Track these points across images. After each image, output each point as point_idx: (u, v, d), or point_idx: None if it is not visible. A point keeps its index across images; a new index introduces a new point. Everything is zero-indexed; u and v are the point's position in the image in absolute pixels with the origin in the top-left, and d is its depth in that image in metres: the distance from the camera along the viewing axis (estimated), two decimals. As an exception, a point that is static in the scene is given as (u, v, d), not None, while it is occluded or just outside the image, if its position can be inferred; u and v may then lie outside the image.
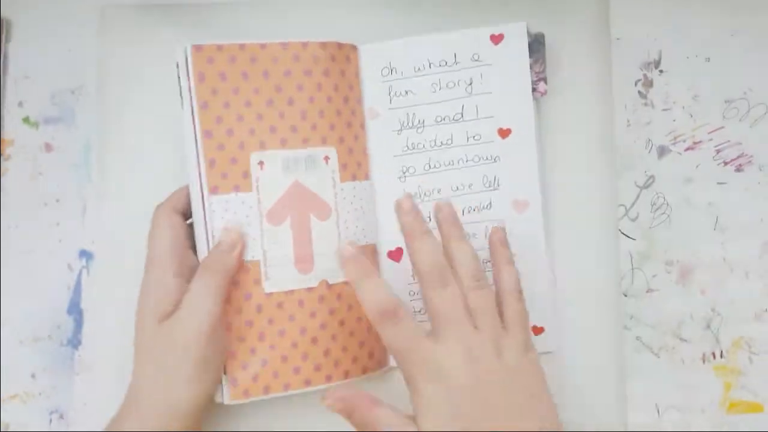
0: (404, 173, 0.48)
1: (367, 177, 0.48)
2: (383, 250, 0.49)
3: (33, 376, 0.50)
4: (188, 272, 0.44)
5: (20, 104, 0.52)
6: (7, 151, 0.52)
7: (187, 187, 0.45)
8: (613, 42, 0.51)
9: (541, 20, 0.50)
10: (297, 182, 0.45)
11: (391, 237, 0.48)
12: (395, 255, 0.48)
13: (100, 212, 0.50)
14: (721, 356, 0.50)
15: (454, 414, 0.38)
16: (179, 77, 0.45)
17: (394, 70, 0.48)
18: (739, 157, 0.51)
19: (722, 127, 0.51)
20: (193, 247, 0.46)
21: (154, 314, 0.43)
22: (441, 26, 0.49)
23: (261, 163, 0.45)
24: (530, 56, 0.48)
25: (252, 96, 0.45)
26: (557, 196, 0.49)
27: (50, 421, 0.50)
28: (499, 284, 0.43)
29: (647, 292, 0.50)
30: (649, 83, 0.51)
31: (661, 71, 0.51)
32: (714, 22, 0.52)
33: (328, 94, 0.46)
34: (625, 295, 0.50)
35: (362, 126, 0.48)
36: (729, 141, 0.51)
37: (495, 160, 0.48)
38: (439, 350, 0.39)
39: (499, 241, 0.45)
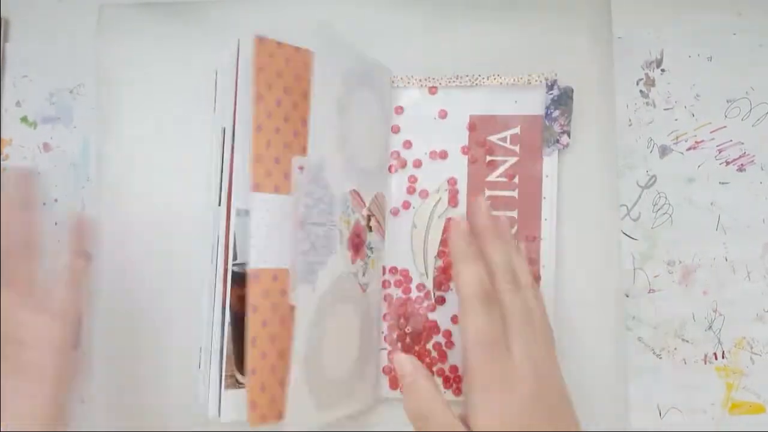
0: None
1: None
2: None
3: (31, 377, 0.50)
4: None
5: (18, 104, 0.52)
6: (6, 150, 0.52)
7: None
8: (615, 41, 0.51)
9: (542, 20, 0.49)
10: None
11: None
12: None
13: (99, 212, 0.50)
14: (723, 357, 0.50)
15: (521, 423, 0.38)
16: (217, 73, 0.44)
17: None
18: (741, 156, 0.51)
19: (724, 127, 0.51)
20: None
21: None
22: (440, 26, 0.49)
23: (301, 167, 0.45)
24: (557, 109, 0.49)
25: (299, 99, 0.46)
26: (558, 196, 0.49)
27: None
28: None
29: (649, 292, 0.50)
30: (650, 82, 0.51)
31: (662, 70, 0.51)
32: (716, 21, 0.51)
33: None
34: (627, 296, 0.50)
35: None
36: (731, 141, 0.51)
37: None
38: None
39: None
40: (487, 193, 0.49)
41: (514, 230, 0.48)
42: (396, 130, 0.50)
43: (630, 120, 0.51)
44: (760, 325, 0.50)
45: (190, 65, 0.50)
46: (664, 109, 0.51)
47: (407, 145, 0.50)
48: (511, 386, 0.39)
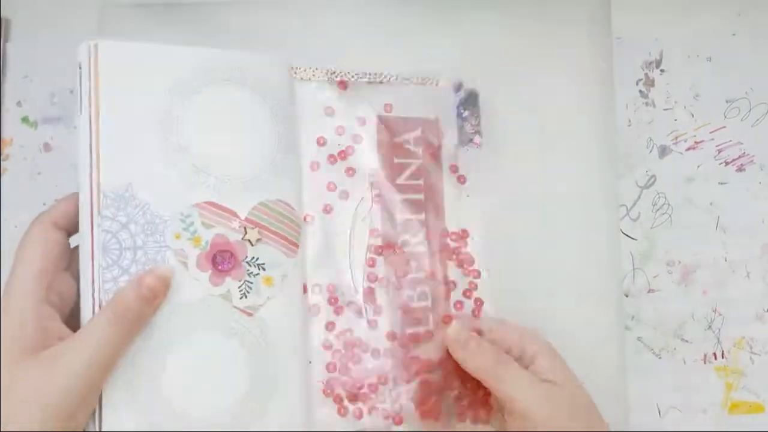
0: None
1: None
2: None
3: (32, 376, 0.50)
4: (58, 299, 0.38)
5: (19, 104, 0.52)
6: (6, 150, 0.52)
7: (75, 197, 0.39)
8: (615, 41, 0.51)
9: (542, 20, 0.49)
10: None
11: None
12: None
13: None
14: (723, 357, 0.50)
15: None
16: (81, 78, 0.40)
17: None
18: (740, 156, 0.51)
19: (723, 127, 0.51)
20: (74, 270, 0.40)
21: (16, 344, 0.36)
22: (437, 25, 0.49)
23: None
24: (465, 110, 0.48)
25: None
26: (558, 196, 0.49)
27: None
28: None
29: (648, 292, 0.50)
30: (650, 83, 0.51)
31: (662, 71, 0.51)
32: (715, 21, 0.51)
33: None
34: (627, 296, 0.50)
35: None
36: (730, 141, 0.51)
37: None
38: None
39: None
40: (398, 196, 0.46)
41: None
42: (311, 126, 0.46)
43: (629, 120, 0.51)
44: (759, 324, 0.50)
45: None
46: (664, 109, 0.51)
47: (320, 141, 0.46)
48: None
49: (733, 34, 0.51)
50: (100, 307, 0.37)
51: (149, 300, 0.37)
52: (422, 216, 0.47)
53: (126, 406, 0.37)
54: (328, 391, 0.43)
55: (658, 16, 0.51)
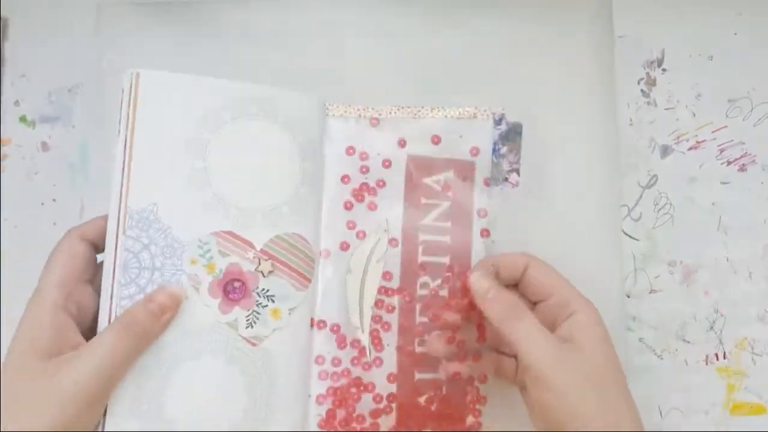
0: None
1: None
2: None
3: (30, 377, 0.50)
4: (76, 309, 0.40)
5: (17, 103, 0.52)
6: (4, 150, 0.52)
7: (106, 218, 0.41)
8: (616, 40, 0.51)
9: (543, 19, 0.49)
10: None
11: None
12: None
13: (98, 212, 0.50)
14: (724, 357, 0.50)
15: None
16: (122, 104, 0.42)
17: None
18: (742, 156, 0.51)
19: (725, 127, 0.51)
20: (98, 284, 0.41)
21: (30, 347, 0.38)
22: (438, 25, 0.49)
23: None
24: (504, 145, 0.47)
25: None
26: (559, 196, 0.49)
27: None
28: None
29: (650, 292, 0.50)
30: (652, 82, 0.51)
31: (664, 70, 0.51)
32: (717, 21, 0.51)
33: None
34: (628, 296, 0.50)
35: None
36: (732, 140, 0.51)
37: None
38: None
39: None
40: (421, 237, 0.47)
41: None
42: (337, 163, 0.47)
43: (631, 120, 0.51)
44: (761, 325, 0.50)
45: (189, 65, 0.50)
46: (666, 109, 0.51)
47: (345, 180, 0.47)
48: None
49: (735, 34, 0.51)
50: None
51: (157, 316, 0.39)
52: (446, 259, 0.47)
53: (129, 417, 0.39)
54: (323, 424, 0.45)
55: (660, 15, 0.51)
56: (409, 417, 0.45)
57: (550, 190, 0.49)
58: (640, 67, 0.51)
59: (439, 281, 0.46)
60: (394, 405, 0.45)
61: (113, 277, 0.40)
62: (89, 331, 0.40)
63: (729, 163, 0.51)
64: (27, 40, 0.52)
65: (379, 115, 0.47)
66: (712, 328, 0.50)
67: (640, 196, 0.51)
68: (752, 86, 0.51)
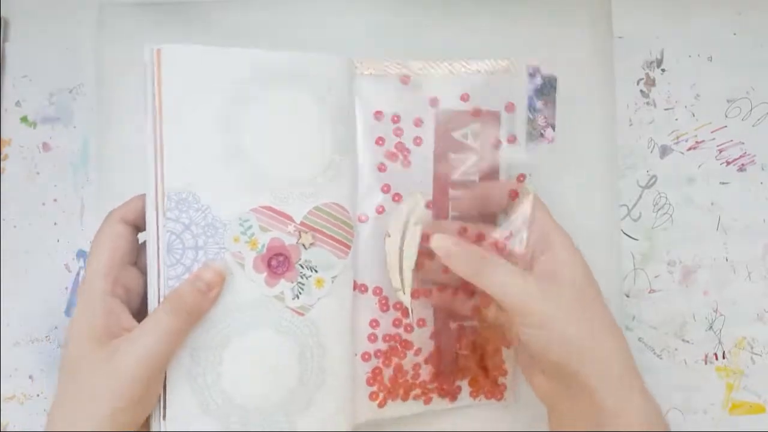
0: None
1: None
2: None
3: (30, 377, 0.50)
4: (124, 292, 0.40)
5: (18, 103, 0.52)
6: (5, 150, 0.52)
7: (143, 197, 0.41)
8: (615, 41, 0.51)
9: (542, 19, 0.49)
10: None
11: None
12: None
13: (98, 212, 0.50)
14: (724, 357, 0.50)
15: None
16: (145, 81, 0.41)
17: None
18: (741, 156, 0.51)
19: (725, 127, 0.51)
20: (142, 264, 0.42)
21: (86, 334, 0.39)
22: (438, 24, 0.49)
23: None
24: (539, 99, 0.46)
25: None
26: (559, 196, 0.49)
27: (48, 422, 0.50)
28: None
29: (649, 292, 0.50)
30: (651, 82, 0.51)
31: (663, 70, 0.51)
32: (716, 21, 0.51)
33: None
34: (627, 296, 0.50)
35: None
36: (731, 140, 0.51)
37: None
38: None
39: None
40: (451, 193, 0.46)
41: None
42: (370, 125, 0.45)
43: (630, 120, 0.51)
44: (760, 325, 0.50)
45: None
46: (665, 109, 0.51)
47: (379, 141, 0.45)
48: None
49: (734, 34, 0.51)
50: None
51: (204, 292, 0.39)
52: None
53: (187, 392, 0.40)
54: (372, 380, 0.45)
55: (659, 15, 0.51)
56: (448, 367, 0.46)
57: (550, 190, 0.49)
58: (639, 67, 0.51)
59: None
60: (432, 363, 0.46)
61: (158, 258, 0.40)
62: (138, 310, 0.41)
63: (728, 163, 0.51)
64: (28, 40, 0.52)
65: (410, 71, 0.46)
66: (711, 327, 0.50)
67: (640, 196, 0.51)
68: (751, 86, 0.51)
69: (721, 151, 0.51)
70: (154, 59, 0.40)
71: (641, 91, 0.51)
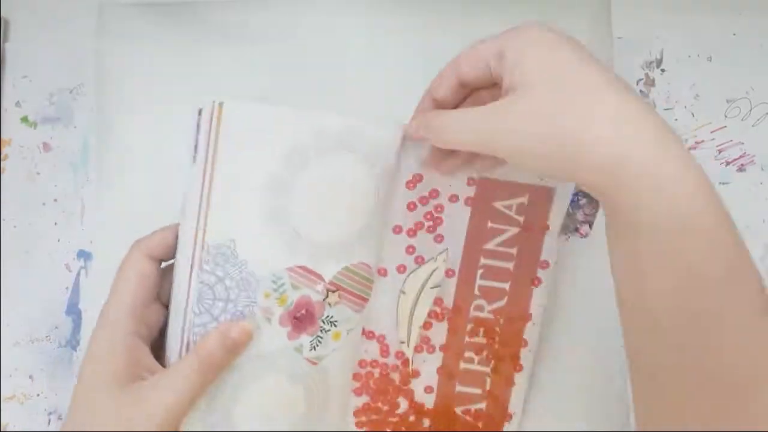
0: None
1: None
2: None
3: (31, 377, 0.50)
4: (147, 331, 0.40)
5: (18, 104, 0.52)
6: (5, 150, 0.52)
7: (174, 229, 0.41)
8: (615, 41, 0.51)
9: (542, 19, 0.49)
10: None
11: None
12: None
13: (99, 212, 0.50)
14: (723, 357, 0.50)
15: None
16: (199, 128, 0.40)
17: None
18: (741, 156, 0.51)
19: (724, 127, 0.51)
20: (163, 297, 0.42)
21: (106, 376, 0.38)
22: (438, 24, 0.49)
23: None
24: (585, 196, 0.47)
25: None
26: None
27: (49, 421, 0.50)
28: None
29: (649, 292, 0.50)
30: (650, 82, 0.51)
31: (662, 70, 0.51)
32: (716, 21, 0.51)
33: None
34: (627, 296, 0.50)
35: None
36: (731, 141, 0.51)
37: None
38: None
39: None
40: (482, 261, 0.45)
41: None
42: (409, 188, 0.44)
43: (630, 120, 0.51)
44: (760, 325, 0.50)
45: (190, 65, 0.50)
46: (664, 109, 0.51)
47: (411, 207, 0.45)
48: None
49: (734, 34, 0.51)
50: (188, 347, 0.40)
51: (231, 350, 0.40)
52: (507, 285, 0.45)
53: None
54: (359, 413, 0.47)
55: (659, 15, 0.51)
56: (441, 424, 0.47)
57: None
58: (638, 67, 0.51)
59: (495, 305, 0.45)
60: (428, 415, 0.47)
61: (187, 305, 0.40)
62: (155, 344, 0.41)
63: (728, 163, 0.51)
64: (28, 40, 0.52)
65: None
66: (710, 327, 0.50)
67: (639, 196, 0.51)
68: (751, 86, 0.51)
69: (720, 151, 0.51)
70: (215, 112, 0.39)
71: (641, 91, 0.51)
